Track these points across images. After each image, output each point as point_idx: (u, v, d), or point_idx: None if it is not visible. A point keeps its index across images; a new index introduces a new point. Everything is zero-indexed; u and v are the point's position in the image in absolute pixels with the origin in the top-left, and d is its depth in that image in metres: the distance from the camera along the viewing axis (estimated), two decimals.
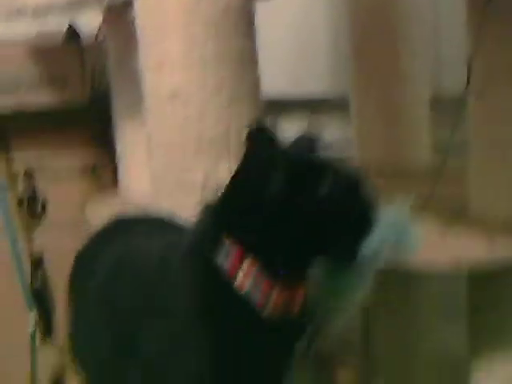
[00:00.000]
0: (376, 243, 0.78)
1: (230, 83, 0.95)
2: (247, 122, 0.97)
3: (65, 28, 1.61)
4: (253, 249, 0.78)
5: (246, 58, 0.98)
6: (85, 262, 0.95)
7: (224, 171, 0.97)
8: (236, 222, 0.79)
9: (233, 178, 0.81)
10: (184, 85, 0.94)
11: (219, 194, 0.80)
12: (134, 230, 0.93)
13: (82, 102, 1.62)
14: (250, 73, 0.99)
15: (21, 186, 1.68)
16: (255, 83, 1.00)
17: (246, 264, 0.78)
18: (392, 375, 1.36)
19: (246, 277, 0.78)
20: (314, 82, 1.66)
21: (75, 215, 1.60)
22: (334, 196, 0.77)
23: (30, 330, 1.66)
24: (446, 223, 1.09)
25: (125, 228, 0.95)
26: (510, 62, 1.04)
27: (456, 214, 1.13)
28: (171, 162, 0.99)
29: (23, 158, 1.66)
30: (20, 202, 1.69)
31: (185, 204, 0.98)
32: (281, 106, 1.64)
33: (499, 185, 1.10)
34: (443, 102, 1.32)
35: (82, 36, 1.63)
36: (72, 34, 1.62)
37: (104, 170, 1.68)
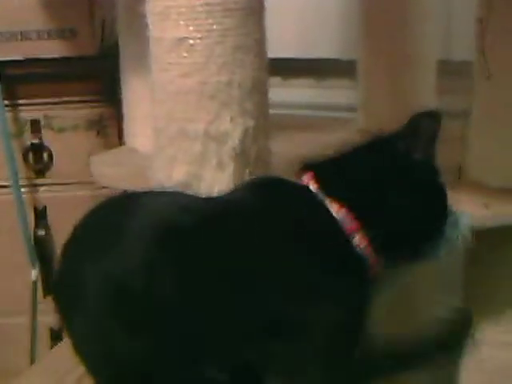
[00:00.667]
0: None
1: (235, 31, 0.95)
2: (251, 71, 0.98)
3: None
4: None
5: (253, 7, 0.98)
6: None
7: (226, 122, 0.98)
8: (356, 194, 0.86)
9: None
10: (189, 32, 0.94)
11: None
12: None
13: (92, 53, 1.62)
14: (256, 24, 0.99)
15: (27, 136, 1.69)
16: (261, 36, 1.00)
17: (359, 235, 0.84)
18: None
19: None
20: (323, 45, 1.65)
21: (80, 169, 1.60)
22: None
23: (32, 284, 1.67)
24: None
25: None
26: None
27: (453, 179, 1.12)
28: (174, 110, 0.99)
29: (30, 107, 1.67)
30: (26, 152, 1.69)
31: (186, 153, 0.99)
32: (288, 67, 1.64)
33: (498, 150, 1.09)
34: (452, 66, 1.32)
35: None
36: None
37: (111, 125, 1.68)
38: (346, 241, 0.84)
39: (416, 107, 1.32)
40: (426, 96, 1.36)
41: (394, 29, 1.33)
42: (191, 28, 0.95)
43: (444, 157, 1.17)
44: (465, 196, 1.06)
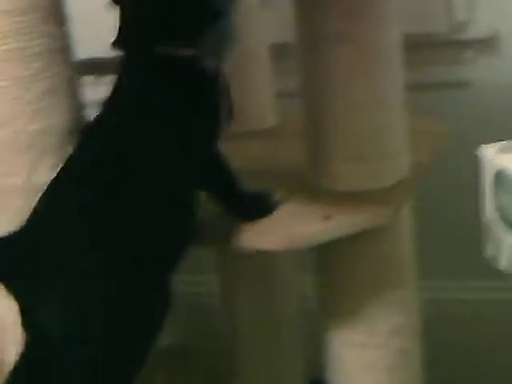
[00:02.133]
0: None
1: (43, 75, 0.91)
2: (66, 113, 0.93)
3: None
4: None
5: (58, 48, 0.93)
6: None
7: (46, 172, 0.93)
8: None
9: None
10: None
11: None
12: None
13: None
14: (65, 62, 0.94)
15: None
16: (71, 74, 0.95)
17: None
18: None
19: None
20: None
21: None
22: None
23: None
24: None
25: None
26: None
27: (292, 185, 1.10)
28: None
29: None
30: None
31: (8, 209, 0.94)
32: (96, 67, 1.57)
33: (331, 153, 1.08)
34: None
35: None
36: None
37: None
38: None
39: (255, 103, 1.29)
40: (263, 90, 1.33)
41: None
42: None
43: (285, 159, 1.18)
44: (306, 206, 1.05)
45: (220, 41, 0.95)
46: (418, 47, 1.51)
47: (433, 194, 1.37)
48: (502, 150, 0.73)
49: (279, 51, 1.34)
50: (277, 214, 1.03)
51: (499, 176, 0.72)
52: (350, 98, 1.04)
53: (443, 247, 1.59)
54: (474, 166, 1.54)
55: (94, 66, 1.50)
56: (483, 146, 0.75)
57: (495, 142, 1.48)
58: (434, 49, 1.55)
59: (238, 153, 1.03)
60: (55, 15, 0.92)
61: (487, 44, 1.53)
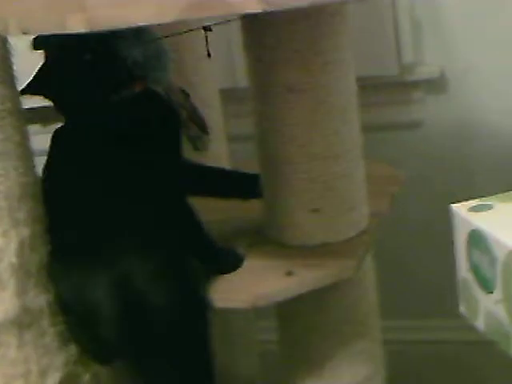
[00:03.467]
0: None
1: None
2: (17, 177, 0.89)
3: None
4: None
5: (9, 109, 0.89)
6: None
7: None
8: None
9: None
10: None
11: None
12: None
13: None
14: (15, 126, 0.90)
15: None
16: (22, 137, 0.91)
17: None
18: None
19: None
20: None
21: None
22: None
23: None
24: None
25: None
26: None
27: (253, 238, 1.08)
28: None
29: None
30: None
31: None
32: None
33: (289, 205, 1.06)
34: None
35: None
36: None
37: None
38: None
39: None
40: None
41: None
42: None
43: (244, 209, 1.15)
44: (268, 261, 1.02)
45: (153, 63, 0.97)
46: (367, 89, 1.51)
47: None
48: (475, 209, 0.71)
49: (228, 96, 1.33)
50: (239, 272, 1.01)
51: (472, 236, 0.70)
52: (306, 148, 1.03)
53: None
54: (423, 209, 1.56)
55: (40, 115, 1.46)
56: (455, 204, 0.73)
57: (446, 181, 1.51)
58: (383, 90, 1.55)
59: (196, 204, 1.01)
60: (4, 77, 0.88)
61: (435, 84, 1.53)
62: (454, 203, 0.75)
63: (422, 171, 1.51)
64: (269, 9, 0.68)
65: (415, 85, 1.55)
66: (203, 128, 1.08)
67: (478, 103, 1.51)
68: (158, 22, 0.70)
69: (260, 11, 0.68)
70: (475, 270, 0.71)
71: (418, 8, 1.50)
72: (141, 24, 0.71)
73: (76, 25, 0.72)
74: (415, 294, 1.63)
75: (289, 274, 0.99)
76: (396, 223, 1.33)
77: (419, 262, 1.60)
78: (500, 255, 0.67)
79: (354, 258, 1.02)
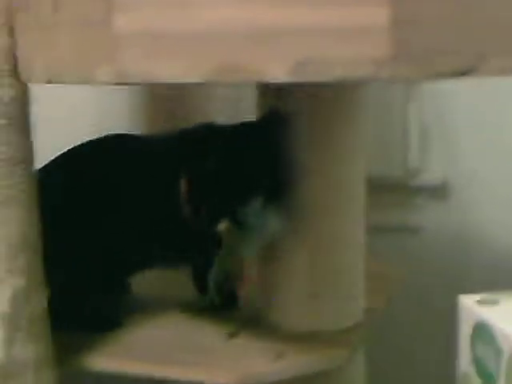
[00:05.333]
0: None
1: None
2: (18, 226, 0.88)
3: None
4: None
5: (20, 157, 0.88)
6: None
7: None
8: None
9: None
10: None
11: None
12: None
13: None
14: (24, 173, 0.89)
15: None
16: (29, 186, 0.90)
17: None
18: None
19: None
20: None
21: None
22: None
23: None
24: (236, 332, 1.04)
25: None
26: None
27: (246, 321, 1.07)
28: None
29: None
30: None
31: None
32: None
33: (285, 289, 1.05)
34: None
35: None
36: None
37: None
38: None
39: None
40: None
41: None
42: None
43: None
44: (258, 342, 1.00)
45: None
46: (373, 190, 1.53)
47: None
48: (481, 302, 0.71)
49: None
50: (228, 349, 0.99)
51: (478, 328, 0.69)
52: (307, 234, 1.02)
53: None
54: (417, 310, 1.55)
55: None
56: (462, 295, 0.73)
57: (443, 288, 1.49)
58: (388, 193, 1.56)
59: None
60: (19, 124, 0.88)
61: (437, 191, 1.54)
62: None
63: (419, 274, 1.51)
64: (297, 80, 0.68)
65: (418, 190, 1.55)
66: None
67: (479, 213, 1.52)
68: (184, 81, 0.71)
69: (289, 81, 0.68)
70: (478, 363, 0.69)
71: (427, 117, 1.52)
72: (167, 82, 0.71)
73: (104, 76, 0.73)
74: None
75: (279, 356, 0.98)
76: (390, 321, 1.31)
77: (412, 365, 1.57)
78: (506, 348, 0.65)
79: (346, 348, 1.00)
